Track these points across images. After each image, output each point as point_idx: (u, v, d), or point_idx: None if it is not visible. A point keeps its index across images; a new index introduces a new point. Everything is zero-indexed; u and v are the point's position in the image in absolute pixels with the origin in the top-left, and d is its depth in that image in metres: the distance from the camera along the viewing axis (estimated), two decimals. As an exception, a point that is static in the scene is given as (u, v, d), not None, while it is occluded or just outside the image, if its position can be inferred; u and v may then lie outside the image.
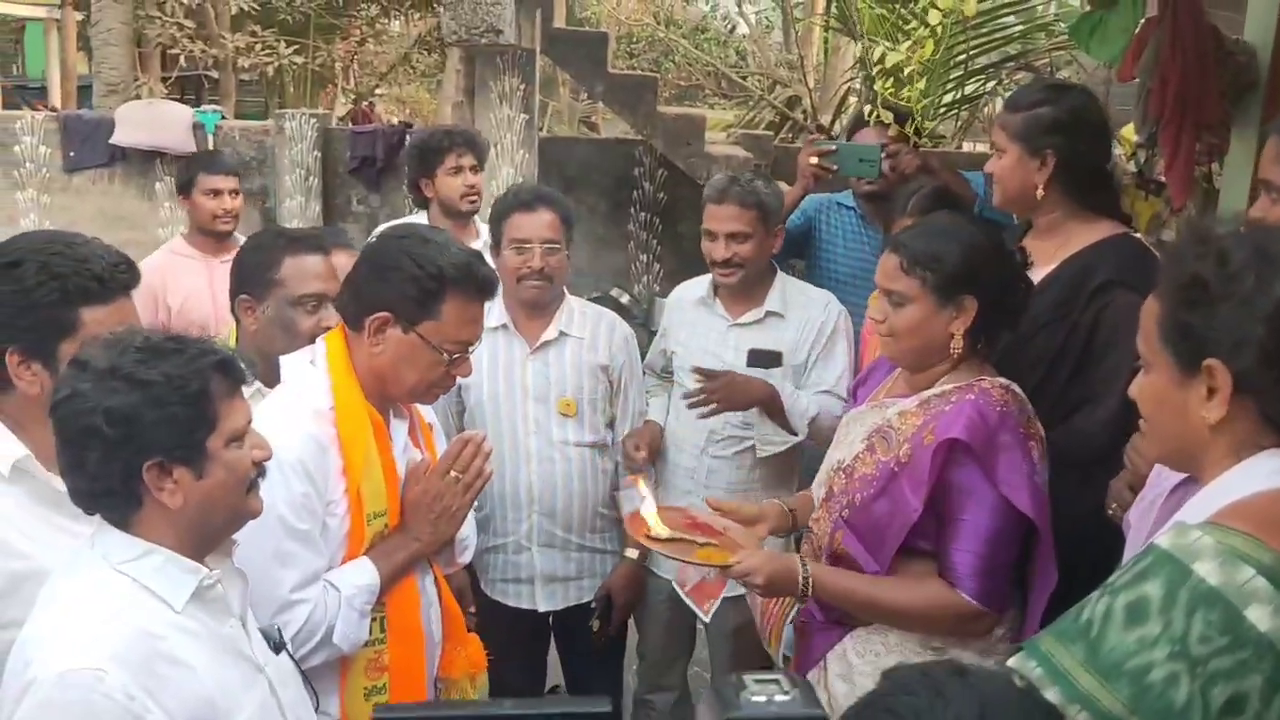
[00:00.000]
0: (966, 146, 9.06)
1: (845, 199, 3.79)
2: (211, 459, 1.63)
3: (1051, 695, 1.25)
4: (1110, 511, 2.18)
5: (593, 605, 3.19)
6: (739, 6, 12.36)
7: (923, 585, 2.12)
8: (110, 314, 1.90)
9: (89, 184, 7.24)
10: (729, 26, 13.05)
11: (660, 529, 2.28)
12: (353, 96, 14.01)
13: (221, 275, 3.94)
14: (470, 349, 2.19)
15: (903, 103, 3.41)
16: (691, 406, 3.05)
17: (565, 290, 3.20)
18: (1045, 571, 2.12)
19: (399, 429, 2.27)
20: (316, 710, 1.92)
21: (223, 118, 7.52)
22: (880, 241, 3.62)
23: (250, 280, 2.59)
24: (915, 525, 2.09)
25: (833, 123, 3.53)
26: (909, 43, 3.09)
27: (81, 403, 1.54)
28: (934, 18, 2.96)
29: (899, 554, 2.14)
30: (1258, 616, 1.22)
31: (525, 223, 3.02)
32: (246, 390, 1.74)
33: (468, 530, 2.43)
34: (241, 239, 4.12)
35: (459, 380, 3.08)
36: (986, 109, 8.63)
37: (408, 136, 7.09)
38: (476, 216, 3.96)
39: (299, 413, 2.08)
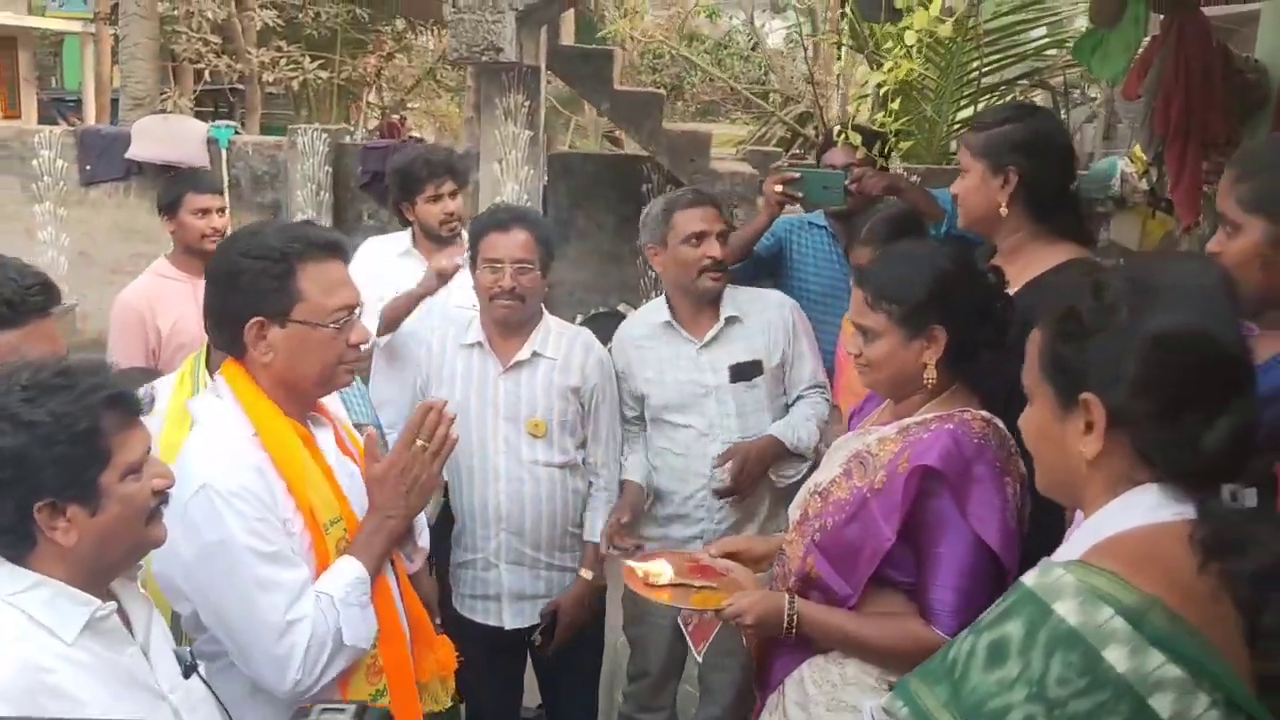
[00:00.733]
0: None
1: (816, 218, 3.79)
2: (106, 495, 1.60)
3: None
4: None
5: (540, 616, 3.18)
6: (753, 22, 12.35)
7: (902, 625, 2.09)
8: (22, 337, 1.91)
9: (105, 197, 7.35)
10: (751, 43, 13.04)
11: (659, 576, 2.28)
12: (379, 111, 14.13)
13: (207, 296, 4.00)
14: (354, 311, 2.11)
15: (873, 124, 3.39)
16: (724, 497, 3.12)
17: (543, 310, 3.21)
18: None
19: (324, 437, 2.22)
20: None
21: (236, 132, 7.61)
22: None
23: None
24: (889, 554, 2.06)
25: (839, 135, 3.54)
26: (889, 63, 3.08)
27: None
28: (910, 38, 2.94)
29: (872, 583, 2.11)
30: (1116, 658, 1.19)
31: (499, 242, 3.04)
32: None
33: (426, 539, 2.44)
34: None
35: (433, 394, 3.14)
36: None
37: (419, 152, 7.15)
38: (465, 232, 3.97)
39: (225, 445, 2.01)
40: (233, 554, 1.92)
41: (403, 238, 3.93)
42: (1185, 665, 1.20)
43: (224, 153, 7.19)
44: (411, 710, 2.19)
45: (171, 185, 4.13)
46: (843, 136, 3.43)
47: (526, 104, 5.82)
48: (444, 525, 3.32)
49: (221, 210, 3.97)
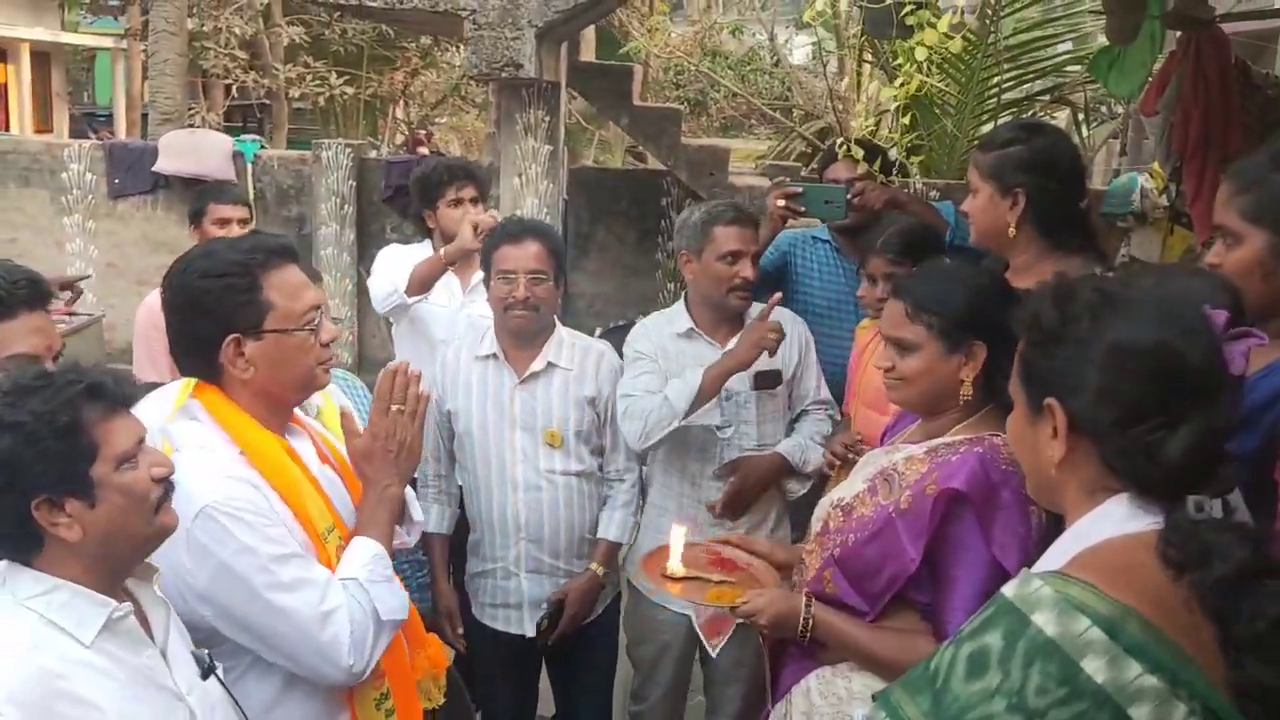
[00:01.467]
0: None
1: (820, 232, 3.82)
2: (102, 486, 1.62)
3: None
4: None
5: (545, 604, 3.21)
6: (772, 38, 12.37)
7: (915, 642, 2.06)
8: (13, 330, 1.94)
9: (133, 210, 7.46)
10: (774, 60, 13.08)
11: (676, 569, 2.27)
12: (406, 126, 14.25)
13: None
14: (319, 310, 2.11)
15: (890, 140, 3.42)
16: (726, 513, 3.14)
17: (556, 321, 3.24)
18: None
19: (304, 448, 2.22)
20: None
21: (262, 147, 7.71)
22: (855, 272, 3.64)
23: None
24: (912, 576, 2.05)
25: (845, 147, 3.57)
26: (900, 78, 3.11)
27: None
28: (920, 54, 2.97)
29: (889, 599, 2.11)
30: (1094, 668, 1.21)
31: (512, 254, 3.07)
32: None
33: (420, 510, 2.41)
34: None
35: (449, 407, 3.18)
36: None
37: (442, 166, 7.22)
38: None
39: (214, 466, 1.97)
40: (251, 565, 1.91)
41: (423, 247, 3.97)
42: (1162, 675, 1.21)
43: (249, 167, 7.28)
44: (414, 711, 2.20)
45: (198, 196, 4.21)
46: (845, 149, 3.46)
47: (546, 119, 5.86)
48: (460, 534, 3.36)
49: (244, 222, 4.02)
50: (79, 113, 18.76)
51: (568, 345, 3.22)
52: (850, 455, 2.85)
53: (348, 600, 1.99)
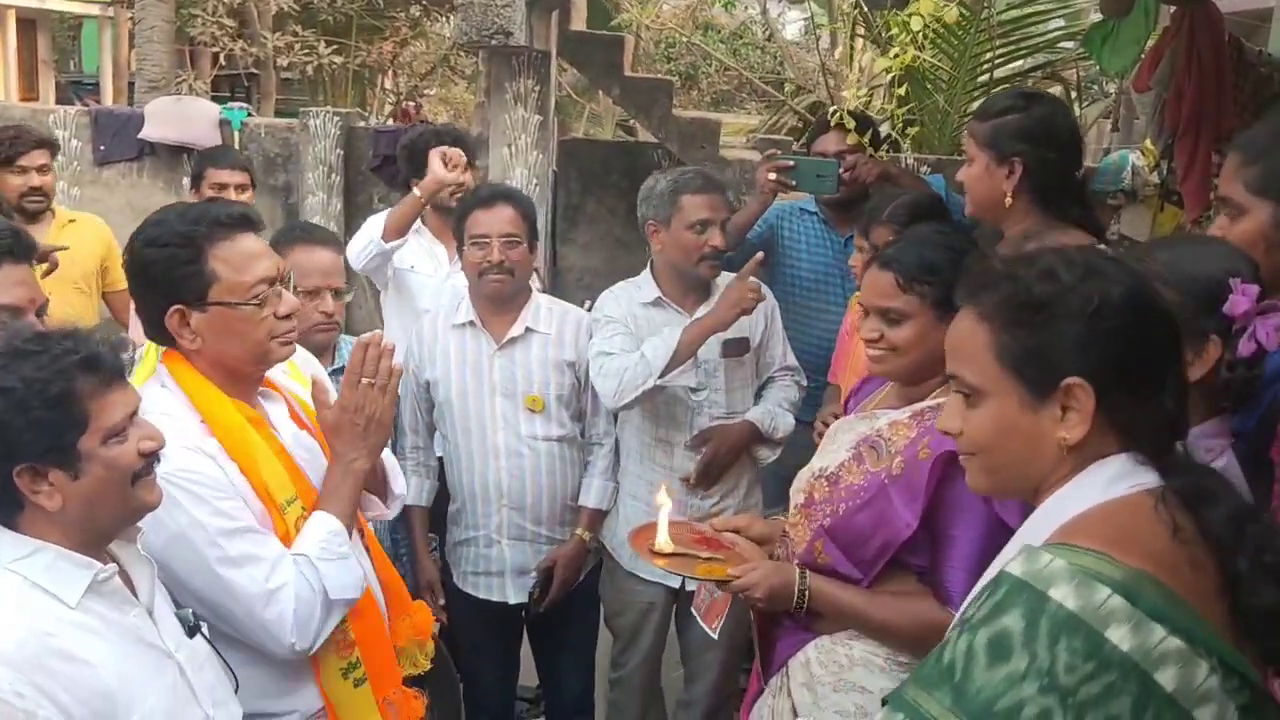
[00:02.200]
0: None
1: (808, 204, 3.80)
2: (87, 459, 1.61)
3: None
4: None
5: (534, 573, 3.21)
6: (764, 12, 12.30)
7: (914, 604, 2.07)
8: None
9: (119, 177, 7.37)
10: (766, 33, 13.01)
11: (665, 545, 2.26)
12: (395, 97, 14.13)
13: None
14: (274, 283, 2.07)
15: (883, 112, 3.41)
16: (700, 482, 3.16)
17: (532, 287, 3.23)
18: None
19: (276, 412, 2.21)
20: (236, 691, 1.91)
21: (249, 114, 7.63)
22: (842, 245, 3.63)
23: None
24: (907, 540, 2.04)
25: (836, 115, 3.55)
26: (895, 49, 3.08)
27: None
28: (916, 24, 2.94)
29: (884, 564, 2.10)
30: (1119, 637, 1.19)
31: (484, 219, 3.06)
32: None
33: (402, 483, 2.44)
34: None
35: (428, 377, 3.16)
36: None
37: (430, 137, 7.15)
38: None
39: (175, 436, 1.93)
40: (200, 538, 1.93)
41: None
42: (1183, 635, 1.20)
43: (236, 134, 7.21)
44: (390, 679, 2.19)
45: (197, 159, 4.19)
46: (837, 117, 3.44)
47: (537, 89, 5.81)
48: (441, 504, 3.35)
49: (241, 187, 3.99)
50: (65, 81, 18.53)
51: (545, 310, 3.21)
52: None
53: (296, 577, 1.99)
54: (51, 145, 4.27)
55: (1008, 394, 1.40)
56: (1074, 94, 8.38)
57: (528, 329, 3.15)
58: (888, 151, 7.08)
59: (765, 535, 2.35)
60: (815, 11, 10.80)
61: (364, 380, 2.12)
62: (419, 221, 3.88)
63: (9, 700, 1.48)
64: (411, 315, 3.73)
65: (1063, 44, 7.88)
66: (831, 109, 3.67)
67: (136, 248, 2.04)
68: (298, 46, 11.36)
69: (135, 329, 3.65)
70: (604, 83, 6.66)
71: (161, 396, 2.04)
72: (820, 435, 3.05)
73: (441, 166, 3.59)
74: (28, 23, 16.52)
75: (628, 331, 3.11)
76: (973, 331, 1.43)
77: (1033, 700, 1.17)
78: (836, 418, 2.96)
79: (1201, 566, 1.29)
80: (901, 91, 3.18)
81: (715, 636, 2.37)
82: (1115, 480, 1.35)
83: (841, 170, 3.40)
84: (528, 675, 3.60)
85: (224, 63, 11.97)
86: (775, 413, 3.23)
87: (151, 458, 1.71)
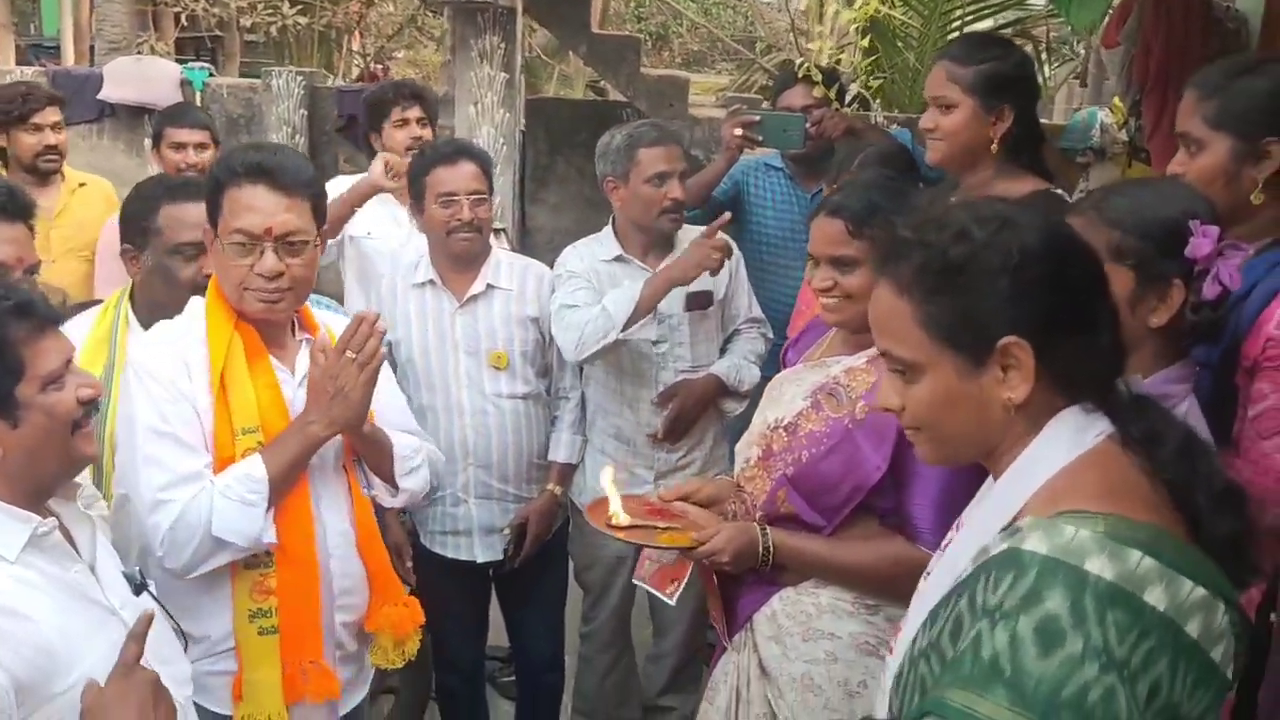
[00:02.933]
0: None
1: (774, 160, 3.78)
2: (25, 406, 1.60)
3: None
4: None
5: (505, 531, 3.20)
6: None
7: (883, 544, 2.08)
8: None
9: (79, 139, 7.20)
10: (738, -9, 12.95)
11: (621, 517, 2.26)
12: (363, 59, 13.94)
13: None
14: (259, 241, 2.11)
15: (837, 65, 3.40)
16: (668, 438, 3.16)
17: (491, 244, 3.19)
18: None
19: (301, 358, 2.26)
20: (186, 651, 1.91)
21: (211, 75, 7.50)
22: (809, 200, 3.62)
23: (131, 230, 2.56)
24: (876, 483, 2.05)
25: (802, 68, 3.52)
26: (859, 2, 3.05)
27: None
28: (880, -28, 2.91)
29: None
30: (1155, 598, 1.17)
31: (449, 176, 3.01)
32: None
33: (411, 450, 2.42)
34: None
35: (389, 339, 3.11)
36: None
37: (395, 96, 7.05)
38: None
39: (170, 335, 2.17)
40: (135, 427, 2.05)
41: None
42: (1202, 582, 1.20)
43: (198, 95, 7.08)
44: (308, 648, 2.17)
45: (158, 118, 4.11)
46: (805, 70, 3.41)
47: (503, 46, 5.73)
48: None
49: (201, 146, 3.93)
50: (25, 44, 18.17)
51: (506, 265, 3.17)
52: None
53: (190, 500, 2.03)
54: (61, 102, 4.15)
55: (943, 364, 1.35)
56: (1044, 52, 8.35)
57: (489, 285, 3.11)
58: (856, 108, 7.06)
59: (714, 496, 2.34)
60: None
61: (348, 353, 2.14)
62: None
63: None
64: (373, 281, 3.68)
65: (1031, 1, 7.84)
66: (799, 62, 3.64)
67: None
68: (261, 7, 11.17)
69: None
70: (572, 40, 6.58)
71: (194, 304, 2.23)
72: None
73: (382, 173, 3.47)
74: (-16, -16, 16.18)
75: (590, 286, 3.09)
76: (894, 306, 1.38)
77: (1097, 682, 1.12)
78: None
79: (1172, 505, 1.29)
80: (865, 43, 3.14)
81: (672, 603, 2.37)
82: (1077, 434, 1.32)
83: (808, 125, 3.37)
84: (499, 635, 3.60)
85: (186, 24, 11.73)
86: (740, 365, 3.22)
87: (90, 406, 1.69)
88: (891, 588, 2.06)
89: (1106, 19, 4.56)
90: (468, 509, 3.18)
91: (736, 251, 3.27)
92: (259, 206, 2.10)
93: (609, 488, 2.28)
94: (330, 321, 2.42)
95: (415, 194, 3.10)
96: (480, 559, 3.22)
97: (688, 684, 3.52)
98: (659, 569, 2.34)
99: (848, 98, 6.61)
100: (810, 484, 2.11)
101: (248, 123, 7.08)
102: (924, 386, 1.37)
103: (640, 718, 3.59)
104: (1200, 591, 1.19)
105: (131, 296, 2.55)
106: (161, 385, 2.07)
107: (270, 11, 11.14)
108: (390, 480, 2.39)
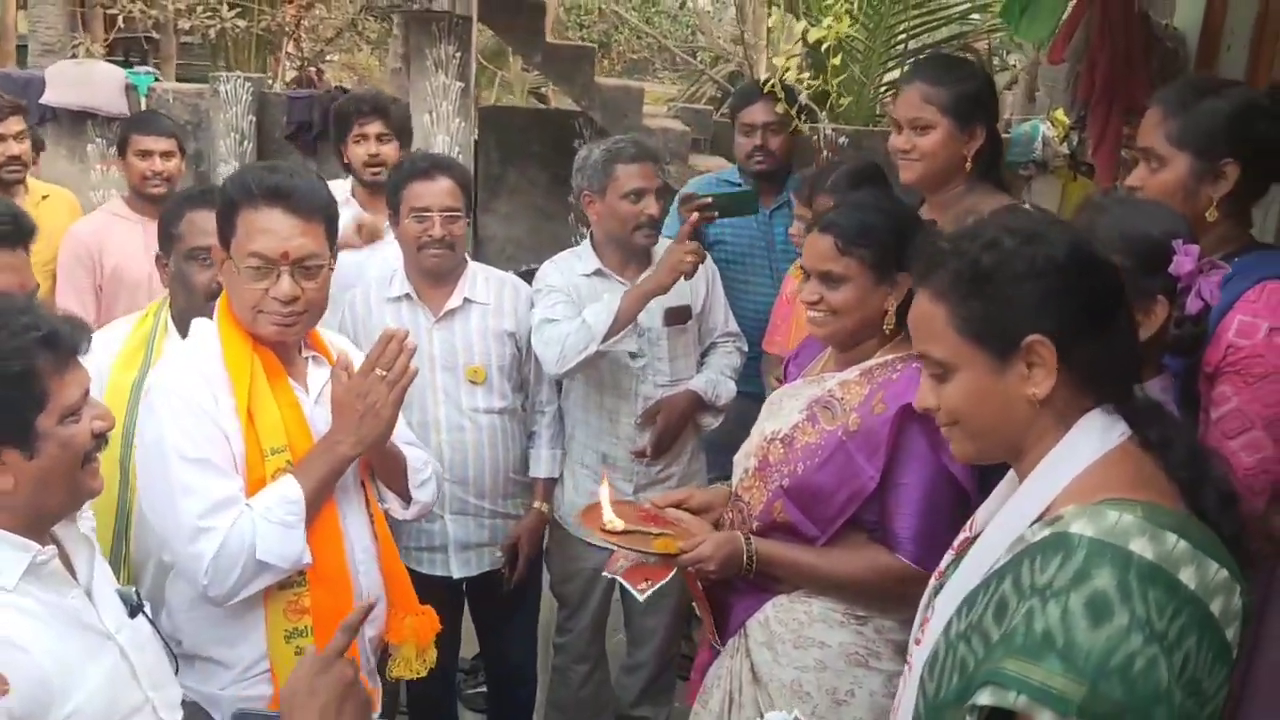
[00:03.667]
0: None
1: (730, 175, 3.87)
2: (44, 438, 1.59)
3: (1047, 718, 1.22)
4: None
5: (499, 553, 3.23)
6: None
7: (863, 552, 2.14)
8: None
9: (18, 144, 7.08)
10: (680, 1, 13.00)
11: (615, 523, 2.29)
12: (298, 62, 13.78)
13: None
14: (274, 265, 2.10)
15: (800, 83, 3.48)
16: (655, 457, 3.20)
17: (467, 258, 3.20)
18: None
19: (317, 376, 2.26)
20: (176, 673, 1.91)
21: (156, 79, 7.38)
22: (767, 217, 3.70)
23: (161, 237, 2.61)
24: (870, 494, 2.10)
25: (767, 84, 3.59)
26: (828, 20, 3.12)
27: None
28: (847, -7, 2.98)
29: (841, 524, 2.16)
30: (1188, 577, 1.27)
31: (424, 191, 3.01)
32: None
33: (421, 463, 2.44)
34: None
35: (365, 351, 3.10)
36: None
37: (346, 103, 7.00)
38: None
39: (190, 358, 2.13)
40: (163, 452, 2.01)
41: (345, 185, 3.85)
42: (1224, 565, 1.30)
43: (143, 100, 6.97)
44: None
45: (123, 126, 4.06)
46: (769, 87, 3.49)
47: (458, 55, 5.75)
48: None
49: (167, 154, 3.89)
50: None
51: (482, 280, 3.18)
52: None
53: (232, 526, 2.02)
54: (24, 110, 4.07)
55: (974, 363, 1.46)
56: (983, 63, 8.54)
57: (466, 300, 3.12)
58: (805, 121, 7.16)
59: (707, 504, 2.41)
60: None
61: (377, 370, 2.14)
62: (348, 192, 3.81)
63: None
64: (340, 290, 3.66)
65: (973, 15, 8.02)
66: (765, 79, 3.72)
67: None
68: (200, 9, 10.99)
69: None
70: (526, 50, 6.60)
71: (205, 326, 2.20)
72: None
73: (353, 232, 3.47)
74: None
75: (569, 300, 3.11)
76: (931, 311, 1.49)
77: (1141, 652, 1.22)
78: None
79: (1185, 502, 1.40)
80: (836, 61, 3.21)
81: (642, 599, 2.42)
82: (1103, 433, 1.42)
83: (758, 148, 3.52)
84: (467, 647, 3.60)
85: (122, 25, 11.50)
86: (717, 380, 3.27)
87: (101, 439, 1.68)
88: (871, 594, 2.14)
89: (1053, 35, 4.68)
90: (443, 524, 3.18)
91: (713, 266, 3.32)
92: (276, 230, 2.09)
93: (604, 495, 2.32)
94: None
95: (392, 207, 3.09)
96: (456, 574, 3.22)
97: (661, 694, 3.56)
98: (636, 566, 2.37)
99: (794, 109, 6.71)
100: (805, 495, 2.17)
101: (195, 129, 6.97)
102: (957, 384, 1.48)
103: (614, 728, 3.62)
104: (1224, 574, 1.30)
105: (171, 303, 2.57)
106: (188, 408, 2.05)
107: (209, 14, 10.97)
108: (404, 494, 2.41)
